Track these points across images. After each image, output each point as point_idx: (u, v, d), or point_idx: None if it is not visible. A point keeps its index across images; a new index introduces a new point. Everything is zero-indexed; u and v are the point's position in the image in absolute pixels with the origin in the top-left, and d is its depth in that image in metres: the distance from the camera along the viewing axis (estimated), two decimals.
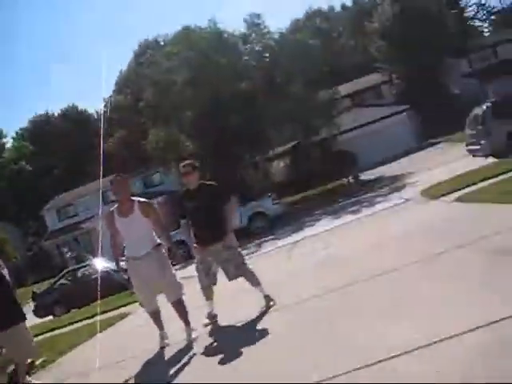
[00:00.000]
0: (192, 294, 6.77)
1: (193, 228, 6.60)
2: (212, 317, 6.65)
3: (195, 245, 6.55)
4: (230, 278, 6.52)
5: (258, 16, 28.31)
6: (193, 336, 6.21)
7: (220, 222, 6.43)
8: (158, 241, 6.37)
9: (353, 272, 6.58)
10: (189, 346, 5.94)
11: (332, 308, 5.30)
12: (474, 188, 9.84)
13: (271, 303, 6.38)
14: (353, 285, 5.89)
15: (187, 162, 6.67)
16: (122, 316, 9.98)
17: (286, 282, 7.67)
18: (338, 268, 7.33)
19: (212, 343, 5.82)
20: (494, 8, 59.53)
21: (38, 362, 7.65)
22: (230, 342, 5.48)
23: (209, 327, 6.52)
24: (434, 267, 5.42)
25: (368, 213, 14.30)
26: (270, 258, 12.08)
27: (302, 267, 8.48)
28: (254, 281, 6.54)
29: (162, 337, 6.41)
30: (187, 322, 6.31)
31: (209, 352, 5.46)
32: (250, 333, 5.52)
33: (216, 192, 6.55)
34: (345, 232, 11.63)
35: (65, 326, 11.33)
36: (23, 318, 5.76)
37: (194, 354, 5.57)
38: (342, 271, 6.94)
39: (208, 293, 6.64)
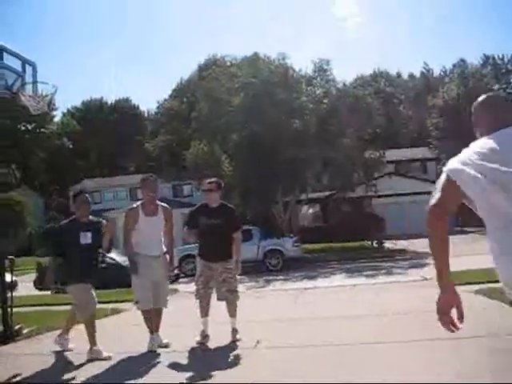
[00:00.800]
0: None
1: (201, 243, 6.79)
2: (204, 336, 6.57)
3: (199, 258, 6.72)
4: (219, 298, 6.71)
5: (327, 62, 28.57)
6: (164, 341, 6.38)
7: (228, 244, 6.64)
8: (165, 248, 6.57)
9: (336, 334, 6.49)
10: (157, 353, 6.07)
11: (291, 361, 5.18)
12: (498, 285, 9.57)
13: (237, 337, 6.47)
14: (325, 346, 5.77)
15: (213, 179, 6.91)
16: (119, 311, 9.94)
17: (274, 324, 7.54)
18: (328, 326, 7.19)
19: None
20: None
21: (25, 331, 7.66)
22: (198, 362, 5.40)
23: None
24: (405, 351, 5.26)
25: (383, 281, 14.12)
26: (274, 298, 11.92)
27: (298, 315, 8.30)
28: (232, 311, 6.67)
29: (152, 340, 6.37)
30: (158, 329, 6.45)
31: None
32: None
33: (234, 216, 6.80)
34: (354, 293, 11.41)
35: (60, 304, 11.28)
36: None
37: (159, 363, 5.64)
38: (330, 330, 6.82)
39: (204, 309, 6.65)
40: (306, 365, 5.15)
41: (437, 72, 64.10)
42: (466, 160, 2.38)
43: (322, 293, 11.95)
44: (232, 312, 6.67)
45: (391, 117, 53.87)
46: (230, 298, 6.64)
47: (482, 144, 2.43)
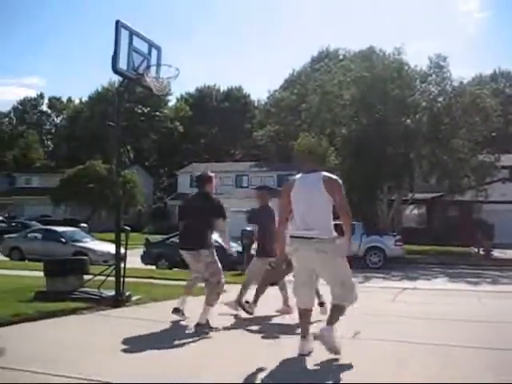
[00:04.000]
0: None
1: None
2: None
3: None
4: None
5: (444, 58, 27.54)
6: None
7: None
8: None
9: (436, 334, 6.33)
10: None
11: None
12: None
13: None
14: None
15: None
16: None
17: (370, 319, 7.46)
18: (426, 325, 7.01)
19: None
20: None
21: (134, 298, 8.15)
22: None
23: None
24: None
25: (488, 289, 13.57)
26: (372, 294, 11.76)
27: (395, 313, 8.17)
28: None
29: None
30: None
31: None
32: None
33: None
34: (454, 299, 10.98)
35: (165, 278, 11.87)
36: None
37: None
38: (427, 330, 6.65)
39: None
40: (401, 359, 5.10)
41: None
42: None
43: (422, 294, 11.65)
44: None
45: (510, 119, 51.12)
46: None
47: None
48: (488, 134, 27.77)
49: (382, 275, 17.42)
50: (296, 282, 5.41)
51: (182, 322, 6.76)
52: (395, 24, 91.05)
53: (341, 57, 50.00)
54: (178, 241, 18.28)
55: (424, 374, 4.59)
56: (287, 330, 6.39)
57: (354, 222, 21.92)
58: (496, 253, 25.44)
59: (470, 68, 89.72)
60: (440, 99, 27.73)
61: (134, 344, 5.49)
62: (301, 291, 5.33)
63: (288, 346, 5.40)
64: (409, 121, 26.82)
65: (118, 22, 7.62)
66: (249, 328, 6.61)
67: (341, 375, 4.55)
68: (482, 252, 25.58)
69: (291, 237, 5.32)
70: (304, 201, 5.23)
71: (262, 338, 6.17)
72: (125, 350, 5.26)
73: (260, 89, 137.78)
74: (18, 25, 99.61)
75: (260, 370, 4.60)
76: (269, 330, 6.54)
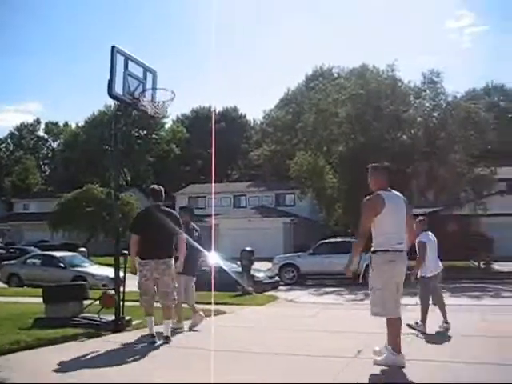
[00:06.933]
0: None
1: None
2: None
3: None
4: None
5: (438, 74, 27.65)
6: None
7: None
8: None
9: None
10: None
11: None
12: None
13: None
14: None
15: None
16: (221, 312, 10.23)
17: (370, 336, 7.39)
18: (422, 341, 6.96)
19: None
20: None
21: (134, 323, 8.11)
22: None
23: None
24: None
25: (490, 303, 13.55)
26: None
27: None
28: None
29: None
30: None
31: None
32: None
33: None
34: (456, 313, 10.90)
35: None
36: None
37: None
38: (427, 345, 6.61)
39: None
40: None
41: None
42: None
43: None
44: None
45: (504, 133, 51.27)
46: None
47: None
48: (483, 148, 27.84)
49: None
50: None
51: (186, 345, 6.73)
52: (387, 41, 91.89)
53: (335, 75, 50.36)
54: None
55: None
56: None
57: (352, 240, 21.95)
58: (496, 266, 25.40)
59: (463, 82, 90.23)
60: (435, 114, 27.82)
61: (132, 369, 5.47)
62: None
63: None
64: (405, 136, 26.91)
65: (113, 47, 7.68)
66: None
67: None
68: (482, 265, 25.53)
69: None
70: None
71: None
72: (124, 375, 5.23)
73: (256, 109, 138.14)
74: (16, 52, 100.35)
75: None
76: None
